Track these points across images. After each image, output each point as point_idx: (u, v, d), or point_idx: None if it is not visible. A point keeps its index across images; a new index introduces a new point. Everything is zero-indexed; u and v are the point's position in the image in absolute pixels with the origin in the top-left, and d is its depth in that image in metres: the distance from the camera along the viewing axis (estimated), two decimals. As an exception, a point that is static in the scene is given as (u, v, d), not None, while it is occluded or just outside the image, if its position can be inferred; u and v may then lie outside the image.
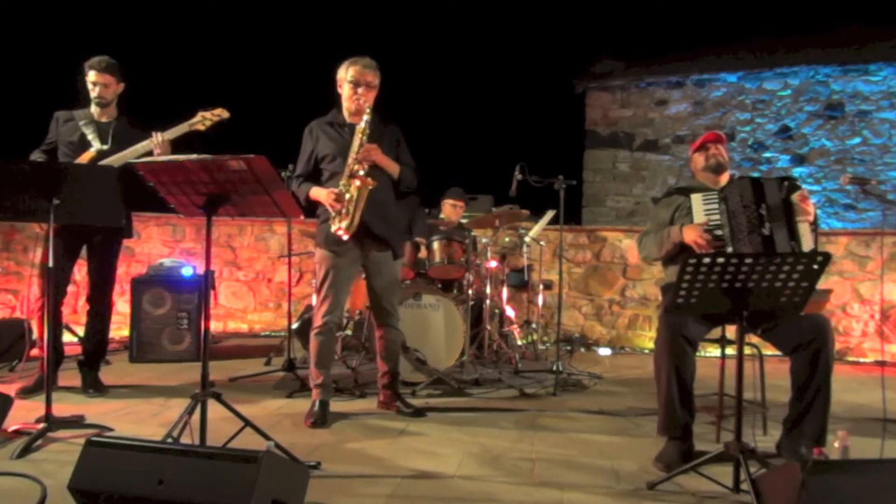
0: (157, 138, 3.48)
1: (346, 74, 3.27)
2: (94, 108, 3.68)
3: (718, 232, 2.82)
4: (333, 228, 3.18)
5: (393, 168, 3.30)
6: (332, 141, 3.31)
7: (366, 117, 3.16)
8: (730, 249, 2.76)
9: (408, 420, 3.34)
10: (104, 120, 3.69)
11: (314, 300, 5.04)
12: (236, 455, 1.88)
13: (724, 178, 3.10)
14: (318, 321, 3.29)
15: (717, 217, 2.85)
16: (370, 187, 3.11)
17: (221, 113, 3.57)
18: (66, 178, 2.80)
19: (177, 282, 4.88)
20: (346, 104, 3.31)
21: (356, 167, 3.13)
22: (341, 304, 3.33)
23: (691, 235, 2.85)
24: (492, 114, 12.53)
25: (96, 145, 3.59)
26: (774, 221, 2.76)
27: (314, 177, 3.36)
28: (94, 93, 3.64)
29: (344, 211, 3.13)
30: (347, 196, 3.13)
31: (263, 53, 12.45)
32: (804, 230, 2.75)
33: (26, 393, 3.56)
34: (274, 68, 12.21)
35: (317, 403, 3.27)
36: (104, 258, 3.74)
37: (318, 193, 3.25)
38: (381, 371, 3.52)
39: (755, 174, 9.25)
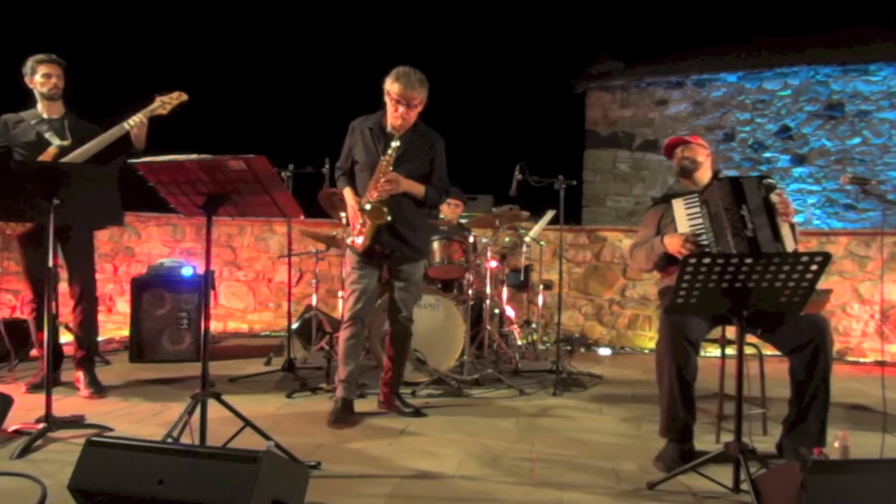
0: (135, 119, 3.47)
1: (390, 88, 3.21)
2: (41, 106, 3.63)
3: (703, 238, 2.80)
4: (349, 240, 3.30)
5: (418, 191, 3.30)
6: (365, 150, 3.31)
7: (394, 144, 3.14)
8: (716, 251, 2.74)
9: (408, 420, 3.35)
10: (55, 116, 3.64)
11: (314, 300, 5.07)
12: (236, 455, 1.88)
13: (703, 176, 3.08)
14: (346, 315, 3.34)
15: (700, 222, 2.84)
16: (379, 223, 3.18)
17: (180, 96, 3.57)
18: (67, 179, 2.79)
19: (177, 282, 4.88)
20: (388, 115, 3.27)
21: (374, 196, 3.16)
22: (370, 299, 3.36)
23: (674, 246, 2.83)
24: (492, 114, 12.54)
25: (56, 142, 3.54)
26: (757, 222, 2.73)
27: (352, 172, 3.42)
28: (47, 86, 3.58)
29: (358, 232, 3.24)
30: (360, 222, 3.22)
31: (264, 54, 12.46)
32: (786, 231, 2.74)
33: (35, 388, 3.60)
34: (274, 69, 12.22)
35: (339, 401, 3.29)
36: (79, 249, 3.69)
37: (348, 199, 3.35)
38: (385, 368, 3.53)
39: (754, 174, 9.25)
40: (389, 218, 3.17)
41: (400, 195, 3.23)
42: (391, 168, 3.16)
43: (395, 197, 3.20)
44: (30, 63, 3.59)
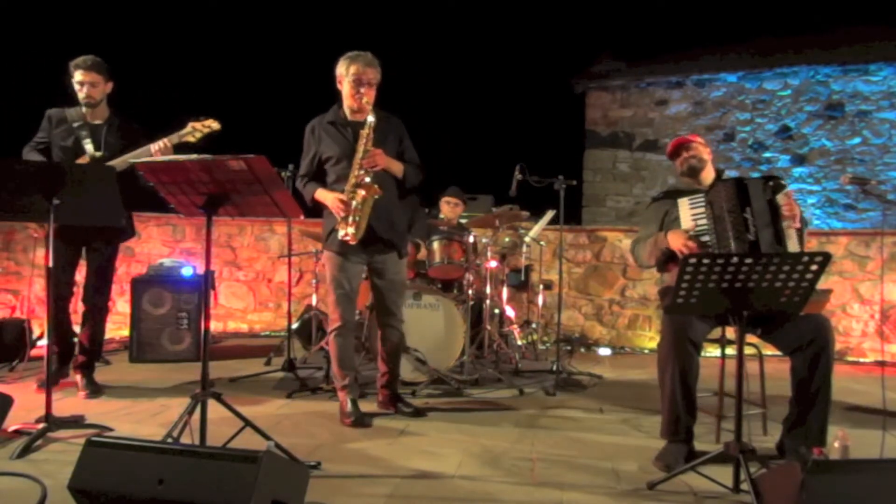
0: (160, 144, 3.45)
1: (346, 72, 3.19)
2: (84, 109, 3.60)
3: (705, 238, 2.80)
4: (340, 235, 3.16)
5: (397, 168, 3.28)
6: (335, 143, 3.27)
7: (370, 119, 3.12)
8: None
9: (408, 420, 3.34)
10: (97, 122, 3.63)
11: (314, 300, 5.07)
12: (236, 455, 1.88)
13: (708, 176, 3.08)
14: (334, 322, 3.29)
15: (705, 222, 2.83)
16: (376, 196, 3.10)
17: (212, 124, 3.51)
18: (67, 178, 2.79)
19: (177, 282, 4.88)
20: (348, 102, 3.26)
21: (361, 174, 3.10)
22: (354, 302, 3.33)
23: (677, 243, 2.83)
24: (492, 114, 12.55)
25: (90, 151, 3.55)
26: (760, 226, 2.73)
27: (318, 176, 3.34)
28: (81, 93, 3.56)
29: (351, 219, 3.12)
30: (354, 204, 3.11)
31: (263, 53, 12.45)
32: (790, 234, 2.74)
33: (44, 385, 3.60)
34: (274, 68, 12.22)
35: (349, 403, 3.27)
36: (104, 259, 3.73)
37: (323, 197, 3.24)
38: (381, 371, 3.52)
39: (755, 174, 9.25)
40: (381, 192, 3.11)
41: (382, 176, 3.18)
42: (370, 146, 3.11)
43: (378, 177, 3.14)
44: (70, 65, 3.56)
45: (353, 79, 3.17)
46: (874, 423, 3.29)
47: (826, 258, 2.18)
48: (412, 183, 3.38)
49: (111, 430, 2.95)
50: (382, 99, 3.30)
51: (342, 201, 3.12)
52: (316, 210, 3.44)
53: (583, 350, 5.98)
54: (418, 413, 3.42)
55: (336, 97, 3.33)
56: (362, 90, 3.17)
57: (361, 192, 3.09)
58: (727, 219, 2.77)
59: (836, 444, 2.54)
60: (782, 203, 2.75)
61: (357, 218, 3.11)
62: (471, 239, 4.53)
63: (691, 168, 3.08)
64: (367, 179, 3.10)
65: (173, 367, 4.53)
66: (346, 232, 3.13)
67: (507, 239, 5.51)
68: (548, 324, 6.08)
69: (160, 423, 3.14)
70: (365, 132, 3.12)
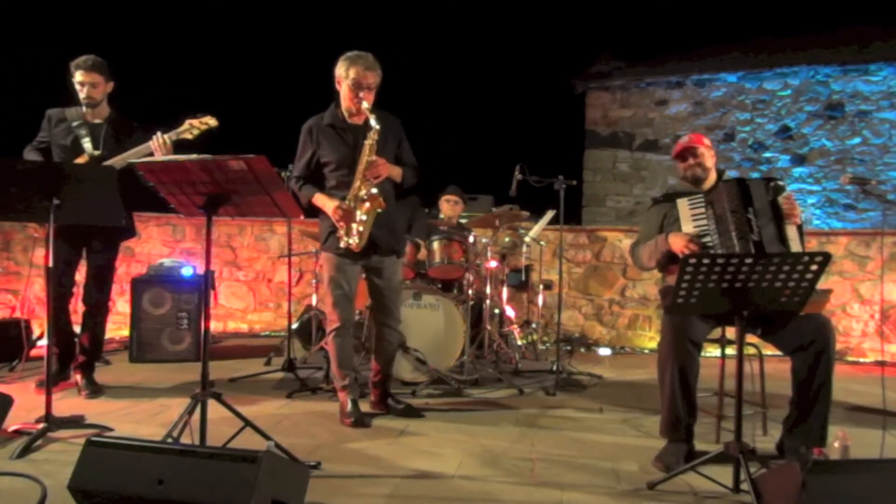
0: (160, 139, 3.44)
1: (346, 74, 3.13)
2: (85, 109, 3.60)
3: (707, 239, 2.79)
4: (342, 244, 3.15)
5: (396, 174, 3.26)
6: (334, 148, 3.22)
7: (375, 126, 3.05)
8: None
9: (408, 420, 3.34)
10: (96, 121, 3.63)
11: (314, 300, 5.07)
12: (236, 455, 1.88)
13: (710, 181, 3.06)
14: (333, 323, 3.28)
15: (705, 223, 2.82)
16: (379, 210, 3.09)
17: (209, 121, 3.50)
18: (67, 178, 2.79)
19: (177, 282, 4.88)
20: (346, 104, 3.20)
21: (366, 187, 3.08)
22: (352, 302, 3.32)
23: (678, 245, 2.81)
24: (492, 114, 12.55)
25: (88, 150, 3.55)
26: (763, 226, 2.72)
27: (315, 179, 3.32)
28: (82, 93, 3.55)
29: (355, 231, 3.11)
30: (358, 215, 3.09)
31: (262, 53, 12.46)
32: (792, 234, 2.74)
33: (42, 385, 3.60)
34: (274, 67, 12.22)
35: (349, 403, 3.26)
36: (104, 259, 3.73)
37: (323, 203, 3.20)
38: (373, 370, 3.52)
39: (755, 174, 9.24)
40: (386, 205, 3.10)
41: (382, 182, 3.15)
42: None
43: (379, 185, 3.12)
44: (71, 65, 3.56)
45: (352, 82, 3.11)
46: (874, 423, 3.29)
47: (826, 258, 2.18)
48: (409, 184, 3.37)
49: (111, 430, 2.95)
50: (382, 99, 3.27)
51: (344, 211, 3.10)
52: (315, 210, 3.43)
53: (583, 350, 5.98)
54: (410, 409, 3.42)
55: (334, 96, 3.29)
56: (361, 94, 3.11)
57: (366, 205, 3.08)
58: (730, 219, 2.76)
59: (836, 444, 2.54)
60: (783, 203, 2.75)
61: (361, 229, 3.11)
62: (471, 239, 4.53)
63: (695, 176, 3.04)
64: (374, 191, 3.08)
65: (173, 367, 4.53)
66: (349, 242, 3.13)
67: (507, 239, 5.51)
68: (548, 324, 6.08)
69: (160, 423, 3.14)
70: (369, 143, 3.08)
